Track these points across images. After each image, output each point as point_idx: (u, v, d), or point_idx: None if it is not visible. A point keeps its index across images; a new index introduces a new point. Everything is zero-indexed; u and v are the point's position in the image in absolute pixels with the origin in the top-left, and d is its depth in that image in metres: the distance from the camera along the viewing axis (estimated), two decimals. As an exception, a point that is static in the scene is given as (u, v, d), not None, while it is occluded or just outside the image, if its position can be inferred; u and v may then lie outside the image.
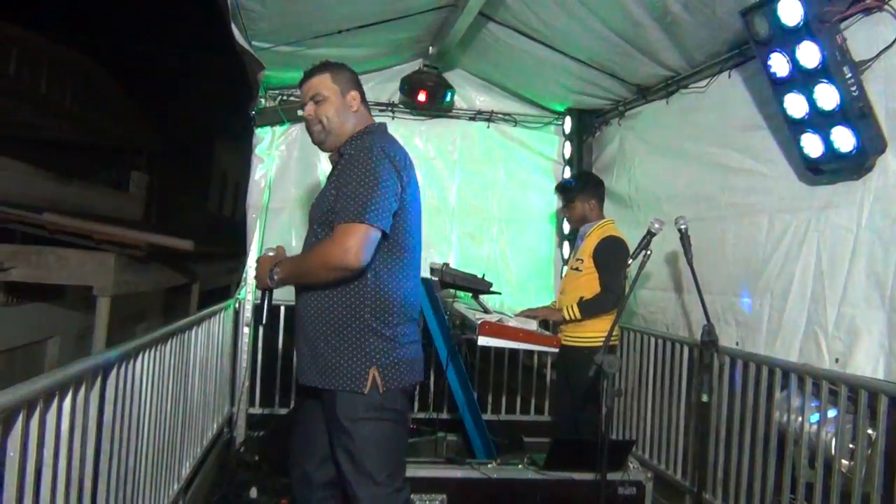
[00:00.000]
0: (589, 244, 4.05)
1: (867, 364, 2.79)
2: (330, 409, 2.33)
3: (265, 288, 2.53)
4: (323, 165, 5.37)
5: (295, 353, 2.53)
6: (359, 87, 2.56)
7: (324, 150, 2.56)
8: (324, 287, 2.32)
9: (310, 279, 2.36)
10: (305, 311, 2.40)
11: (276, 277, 2.41)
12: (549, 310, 4.23)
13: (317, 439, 2.45)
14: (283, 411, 5.02)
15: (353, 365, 2.28)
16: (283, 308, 5.23)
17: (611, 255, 3.90)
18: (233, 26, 3.63)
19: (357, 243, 2.18)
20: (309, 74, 2.53)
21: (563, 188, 4.40)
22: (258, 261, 2.54)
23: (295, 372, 2.59)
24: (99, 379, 2.21)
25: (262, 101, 5.12)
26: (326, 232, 2.34)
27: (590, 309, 3.93)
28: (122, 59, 15.43)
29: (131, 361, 2.54)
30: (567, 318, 3.97)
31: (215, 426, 4.37)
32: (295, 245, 5.28)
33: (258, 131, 5.19)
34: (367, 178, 2.24)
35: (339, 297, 2.31)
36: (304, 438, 2.54)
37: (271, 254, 2.56)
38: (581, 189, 4.19)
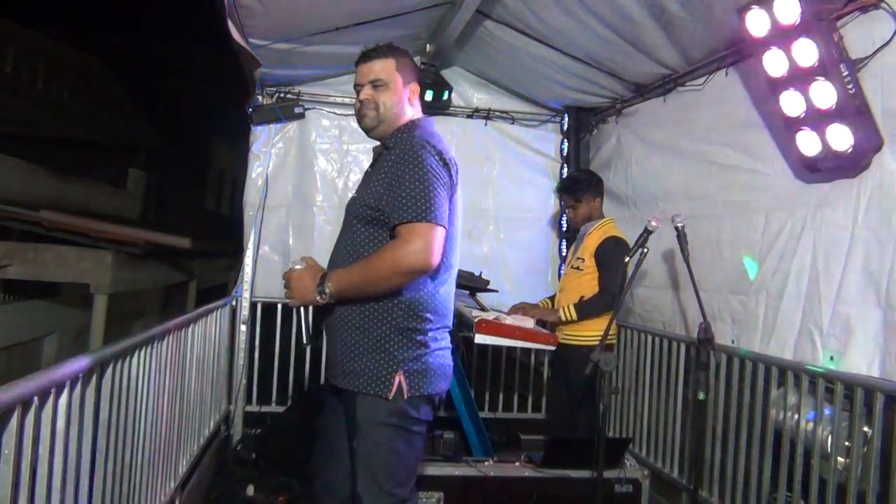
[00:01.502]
0: (590, 243, 4.04)
1: (862, 362, 2.80)
2: (350, 409, 2.26)
3: (311, 304, 2.31)
4: (320, 163, 5.38)
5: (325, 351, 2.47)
6: (418, 78, 2.49)
7: (372, 136, 2.44)
8: None
9: (379, 287, 2.18)
10: (337, 310, 2.29)
11: (327, 291, 2.19)
12: (545, 311, 4.20)
13: (342, 448, 2.36)
14: (281, 409, 5.02)
15: (378, 368, 2.20)
16: (279, 306, 5.23)
17: (612, 256, 3.88)
18: (229, 23, 3.63)
19: (429, 243, 2.09)
20: (371, 56, 2.40)
21: (568, 189, 4.31)
22: (292, 276, 2.28)
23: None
24: (95, 376, 2.20)
25: (259, 98, 5.12)
26: (368, 230, 2.26)
27: (586, 310, 3.92)
28: (120, 56, 15.41)
29: (128, 359, 2.53)
30: (563, 318, 3.96)
31: (212, 424, 4.37)
32: (292, 243, 5.29)
33: (255, 129, 5.19)
34: (422, 175, 2.15)
35: (371, 299, 2.22)
36: (329, 447, 2.47)
37: (299, 266, 2.30)
38: (587, 189, 4.16)
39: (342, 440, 2.34)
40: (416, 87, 2.45)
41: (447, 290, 2.35)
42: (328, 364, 2.39)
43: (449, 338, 2.39)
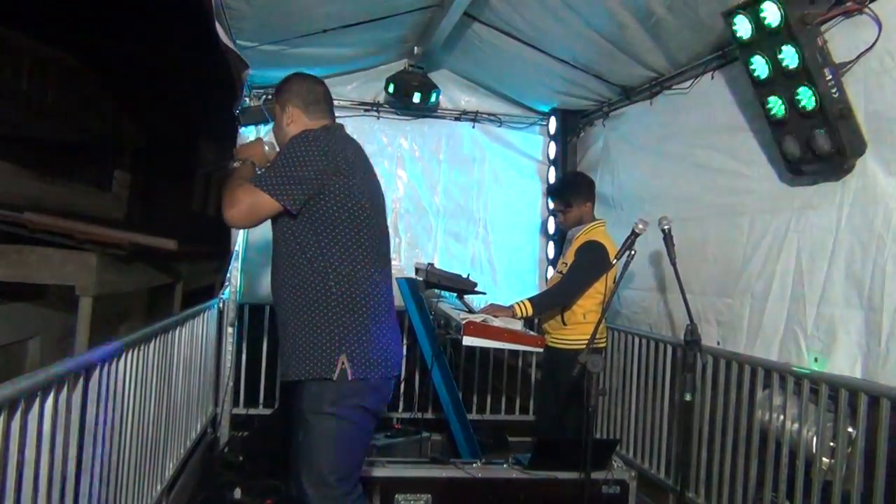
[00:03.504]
0: (575, 247, 4.04)
1: (845, 363, 2.83)
2: (297, 401, 2.34)
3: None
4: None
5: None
6: (297, 99, 2.59)
7: None
8: (291, 284, 2.35)
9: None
10: (281, 311, 2.42)
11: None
12: (498, 306, 4.01)
13: None
14: (268, 411, 5.00)
15: (321, 351, 2.28)
16: (267, 308, 5.22)
17: (583, 258, 3.87)
18: (217, 25, 3.62)
19: (247, 205, 2.30)
20: None
21: (559, 193, 4.30)
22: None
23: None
24: (82, 379, 2.19)
25: (247, 100, 5.10)
26: (281, 222, 2.40)
27: (541, 301, 3.93)
28: (105, 56, 15.30)
29: (114, 362, 2.52)
30: (518, 313, 3.88)
31: (199, 426, 4.35)
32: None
33: (242, 130, 5.16)
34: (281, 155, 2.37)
35: (306, 291, 2.32)
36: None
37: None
38: (578, 193, 4.13)
39: None
40: (291, 110, 2.56)
41: (380, 278, 2.42)
42: (279, 363, 2.49)
43: (390, 327, 2.44)
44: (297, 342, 2.33)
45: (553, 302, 3.94)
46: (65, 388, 2.03)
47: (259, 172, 2.42)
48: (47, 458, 1.92)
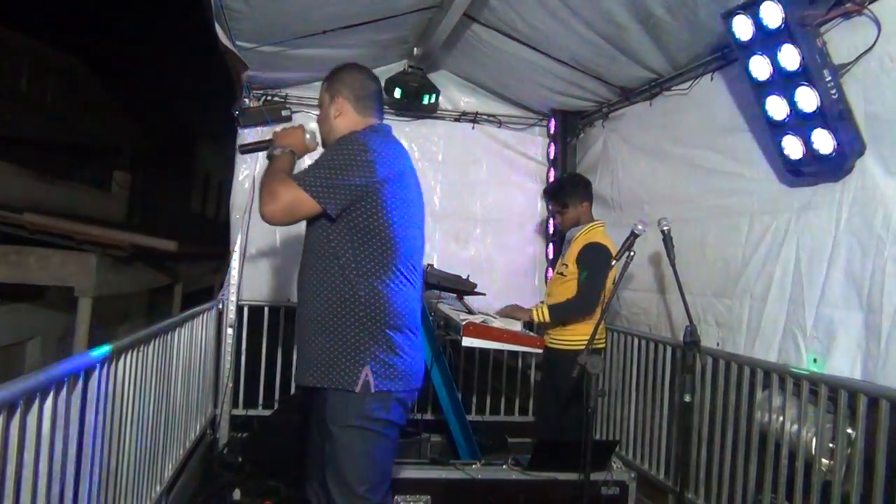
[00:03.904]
0: (574, 249, 4.04)
1: (844, 364, 2.83)
2: (320, 410, 2.31)
3: None
4: (305, 166, 5.34)
5: (295, 355, 2.49)
6: (350, 91, 2.54)
7: None
8: (320, 288, 2.30)
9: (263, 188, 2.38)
10: (304, 312, 2.37)
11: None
12: (515, 307, 4.17)
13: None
14: (267, 412, 5.00)
15: (345, 361, 2.24)
16: (266, 309, 5.23)
17: (590, 262, 3.87)
18: (216, 26, 3.62)
19: (285, 202, 2.23)
20: None
21: (555, 194, 4.31)
22: None
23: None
24: (81, 380, 2.19)
25: (246, 101, 5.10)
26: (315, 224, 2.35)
27: (560, 313, 3.92)
28: (104, 58, 15.31)
29: (114, 363, 2.52)
30: (535, 319, 3.95)
31: (198, 428, 4.35)
32: (279, 246, 5.27)
33: (242, 131, 5.17)
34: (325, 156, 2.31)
35: (334, 297, 2.28)
36: (314, 452, 2.49)
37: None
38: (573, 194, 4.14)
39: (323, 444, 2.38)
40: (341, 102, 2.51)
41: (409, 290, 2.38)
42: (297, 365, 2.44)
43: (415, 341, 2.40)
44: (318, 348, 2.29)
45: (577, 314, 3.91)
46: (64, 390, 2.03)
47: (303, 169, 2.30)
48: (46, 459, 1.91)
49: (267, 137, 2.60)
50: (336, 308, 2.27)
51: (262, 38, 4.05)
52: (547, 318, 3.92)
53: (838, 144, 2.77)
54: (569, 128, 5.54)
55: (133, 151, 16.36)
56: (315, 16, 3.95)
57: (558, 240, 5.33)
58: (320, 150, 2.56)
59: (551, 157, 5.63)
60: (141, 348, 2.87)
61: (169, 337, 3.42)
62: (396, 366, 2.29)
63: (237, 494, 3.96)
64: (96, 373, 2.32)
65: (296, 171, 2.41)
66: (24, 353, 8.76)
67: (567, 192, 4.18)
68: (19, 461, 1.77)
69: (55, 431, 1.97)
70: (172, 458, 3.61)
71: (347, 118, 2.50)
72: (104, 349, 2.40)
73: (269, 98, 5.22)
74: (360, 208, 2.25)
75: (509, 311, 4.10)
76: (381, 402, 2.26)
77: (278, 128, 2.71)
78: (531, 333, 4.00)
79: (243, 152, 2.76)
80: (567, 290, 4.00)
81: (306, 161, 2.48)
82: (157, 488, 3.26)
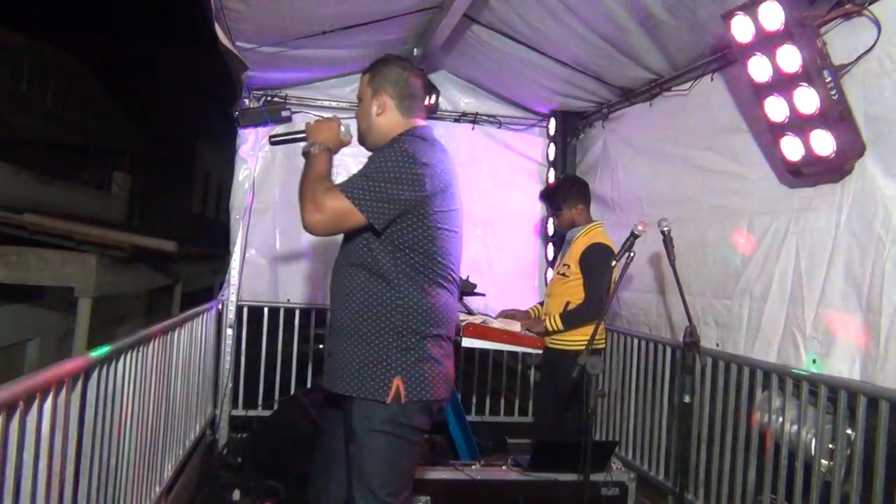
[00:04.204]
0: (576, 250, 4.04)
1: (843, 364, 2.83)
2: (347, 415, 2.28)
3: None
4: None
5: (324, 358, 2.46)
6: (395, 87, 2.45)
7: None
8: (354, 296, 2.27)
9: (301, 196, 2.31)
10: (336, 320, 2.34)
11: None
12: (532, 321, 4.15)
13: (338, 455, 2.39)
14: (267, 413, 5.00)
15: (376, 372, 2.21)
16: (266, 310, 5.23)
17: (596, 264, 3.87)
18: (216, 26, 3.62)
19: (330, 213, 2.17)
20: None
21: (548, 197, 4.34)
22: None
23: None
24: (81, 380, 2.19)
25: (246, 101, 5.10)
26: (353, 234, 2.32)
27: (572, 319, 3.92)
28: (105, 58, 15.32)
29: (114, 363, 2.52)
30: (550, 328, 3.96)
31: (198, 428, 4.35)
32: (279, 247, 5.28)
33: (242, 132, 5.17)
34: (372, 165, 2.24)
35: (369, 305, 2.24)
36: (326, 453, 2.48)
37: None
38: (566, 196, 4.15)
39: (339, 447, 2.36)
40: (384, 99, 2.43)
41: (447, 299, 2.34)
42: (326, 371, 2.39)
43: (449, 349, 2.37)
44: (349, 356, 2.25)
45: (587, 318, 3.87)
46: (64, 390, 2.03)
47: (350, 178, 2.23)
48: (46, 459, 1.91)
49: (300, 129, 2.49)
50: (369, 317, 2.24)
51: (261, 39, 4.05)
52: (561, 327, 3.92)
53: (838, 145, 2.77)
54: (569, 128, 5.54)
55: (133, 152, 16.36)
56: (315, 16, 3.95)
57: (558, 240, 5.34)
58: (354, 144, 2.51)
59: (551, 157, 5.63)
60: (140, 349, 2.87)
61: (169, 337, 3.42)
62: (429, 374, 2.25)
63: (236, 495, 3.96)
64: (96, 373, 2.32)
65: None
66: (23, 353, 8.76)
67: (561, 194, 4.20)
68: (19, 461, 1.77)
69: (55, 432, 1.97)
70: (172, 458, 3.61)
71: (389, 117, 2.43)
72: (104, 349, 2.40)
73: (268, 98, 5.22)
74: (404, 221, 2.21)
75: (527, 326, 4.07)
76: (411, 411, 2.24)
77: (300, 124, 2.60)
78: (530, 333, 4.00)
79: (274, 143, 2.69)
80: (569, 290, 4.00)
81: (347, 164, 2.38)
82: (157, 489, 3.26)
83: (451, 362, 2.38)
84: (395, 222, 2.21)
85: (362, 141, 2.50)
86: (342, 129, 2.45)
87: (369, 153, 2.43)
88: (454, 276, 2.39)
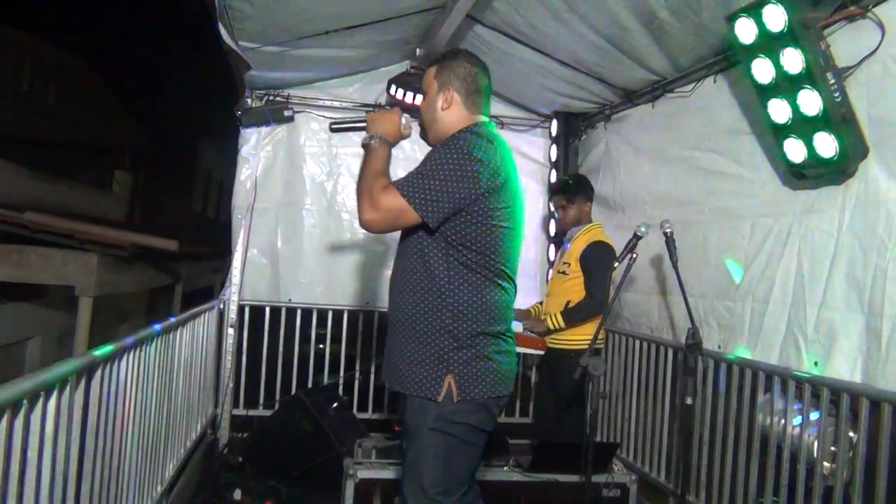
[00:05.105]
0: (576, 248, 4.06)
1: (845, 367, 2.83)
2: (404, 412, 2.30)
3: None
4: (309, 166, 5.37)
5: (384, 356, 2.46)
6: (460, 82, 2.46)
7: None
8: (409, 294, 2.28)
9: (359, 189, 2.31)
10: (393, 317, 2.35)
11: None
12: (534, 321, 4.18)
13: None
14: (268, 413, 5.00)
15: (428, 371, 2.22)
16: (267, 309, 5.23)
17: (598, 262, 3.89)
18: (220, 26, 3.62)
19: (386, 211, 2.18)
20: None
21: (562, 189, 4.36)
22: None
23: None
24: (84, 379, 2.19)
25: (249, 100, 5.10)
26: (413, 232, 2.32)
27: (573, 316, 3.93)
28: (106, 57, 15.33)
29: (116, 362, 2.52)
30: (551, 327, 3.97)
31: (199, 427, 4.35)
32: (280, 246, 5.28)
33: (244, 131, 5.17)
34: (429, 162, 2.23)
35: (422, 303, 2.25)
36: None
37: None
38: (579, 192, 4.20)
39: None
40: (451, 94, 2.43)
41: (502, 297, 2.33)
42: (384, 367, 2.42)
43: (507, 346, 2.35)
44: (403, 354, 2.27)
45: (588, 315, 3.92)
46: (67, 389, 2.03)
47: (406, 176, 2.22)
48: (49, 458, 1.91)
49: (360, 117, 2.49)
50: (424, 315, 2.24)
51: (265, 39, 4.05)
52: (562, 325, 3.94)
53: (841, 148, 2.77)
54: (571, 129, 5.52)
55: (134, 151, 16.36)
56: (318, 16, 3.96)
57: (560, 240, 5.33)
58: (414, 136, 2.51)
59: (553, 158, 5.63)
60: (142, 348, 2.87)
61: (171, 336, 3.42)
62: (483, 372, 2.24)
63: (237, 494, 3.96)
64: (99, 372, 2.33)
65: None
66: (24, 352, 8.76)
67: (576, 188, 4.23)
68: (23, 460, 1.77)
69: (58, 431, 1.97)
70: (173, 457, 3.61)
71: (455, 112, 2.42)
72: (106, 348, 2.40)
73: (271, 98, 5.22)
74: (459, 218, 2.20)
75: (529, 326, 4.09)
76: (464, 408, 2.23)
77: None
78: (533, 334, 4.00)
79: (334, 131, 2.64)
80: (569, 288, 4.01)
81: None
82: (158, 488, 3.27)
83: (509, 359, 2.36)
84: (450, 220, 2.20)
85: (424, 134, 2.51)
86: (403, 121, 2.43)
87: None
88: (510, 273, 2.36)
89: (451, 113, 2.42)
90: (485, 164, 2.21)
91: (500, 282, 2.30)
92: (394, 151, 2.40)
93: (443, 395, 2.20)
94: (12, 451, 1.71)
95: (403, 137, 2.45)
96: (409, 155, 5.08)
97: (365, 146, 2.34)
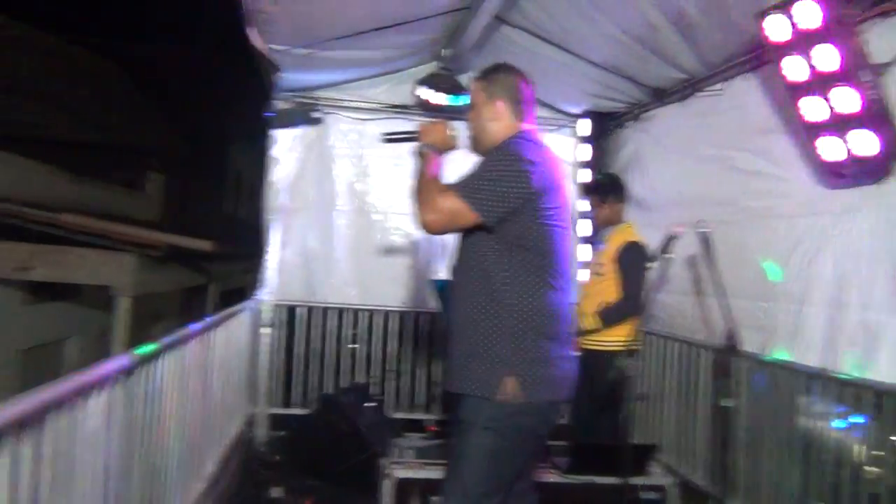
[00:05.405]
0: (610, 248, 4.04)
1: (887, 369, 2.78)
2: (459, 411, 2.32)
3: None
4: (339, 167, 5.41)
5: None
6: (507, 94, 2.52)
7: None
8: (469, 296, 2.32)
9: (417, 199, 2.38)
10: (454, 319, 2.39)
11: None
12: None
13: None
14: (303, 412, 5.05)
15: (486, 370, 2.25)
16: (304, 309, 5.28)
17: (633, 262, 3.88)
18: (250, 29, 3.67)
19: (444, 212, 2.25)
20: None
21: (594, 189, 4.35)
22: None
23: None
24: (127, 378, 2.24)
25: (278, 102, 5.16)
26: (473, 234, 2.37)
27: (610, 317, 3.92)
28: (137, 59, 15.53)
29: (157, 361, 2.57)
30: (587, 327, 3.96)
31: (237, 426, 4.41)
32: (313, 246, 5.33)
33: (274, 133, 5.24)
34: (483, 166, 2.31)
35: (482, 306, 2.29)
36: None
37: None
38: (611, 191, 4.18)
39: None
40: (500, 105, 2.49)
41: (559, 298, 2.35)
42: (446, 371, 2.46)
43: (564, 351, 2.37)
44: (463, 355, 2.31)
45: (625, 316, 3.90)
46: (112, 387, 2.07)
47: (461, 179, 2.30)
48: (97, 456, 1.96)
49: (412, 129, 2.57)
50: (482, 317, 2.28)
51: (294, 41, 4.09)
52: (599, 325, 3.93)
53: (879, 145, 2.74)
54: (600, 129, 5.51)
55: (166, 153, 16.55)
56: (346, 18, 3.99)
57: (592, 241, 5.31)
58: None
59: (581, 158, 5.61)
60: (182, 347, 2.92)
61: (207, 336, 3.48)
62: (540, 376, 2.26)
63: (276, 492, 4.01)
64: (140, 371, 2.38)
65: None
66: (62, 351, 8.94)
67: (606, 188, 4.22)
68: (72, 456, 1.82)
69: (107, 429, 2.02)
70: (212, 455, 3.67)
71: (502, 123, 2.48)
72: (149, 347, 2.45)
73: (300, 100, 5.27)
74: (515, 219, 2.25)
75: None
76: (518, 410, 2.24)
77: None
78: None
79: (387, 141, 2.71)
80: (605, 289, 3.99)
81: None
82: (199, 485, 3.32)
83: (569, 364, 2.38)
84: (507, 221, 2.25)
85: (473, 145, 2.55)
86: (450, 132, 2.50)
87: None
88: (566, 273, 2.39)
89: (498, 124, 2.48)
90: (535, 165, 2.27)
91: (555, 283, 2.33)
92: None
93: (500, 395, 2.22)
94: (60, 450, 1.75)
95: (451, 148, 2.51)
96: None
97: (419, 155, 2.43)
